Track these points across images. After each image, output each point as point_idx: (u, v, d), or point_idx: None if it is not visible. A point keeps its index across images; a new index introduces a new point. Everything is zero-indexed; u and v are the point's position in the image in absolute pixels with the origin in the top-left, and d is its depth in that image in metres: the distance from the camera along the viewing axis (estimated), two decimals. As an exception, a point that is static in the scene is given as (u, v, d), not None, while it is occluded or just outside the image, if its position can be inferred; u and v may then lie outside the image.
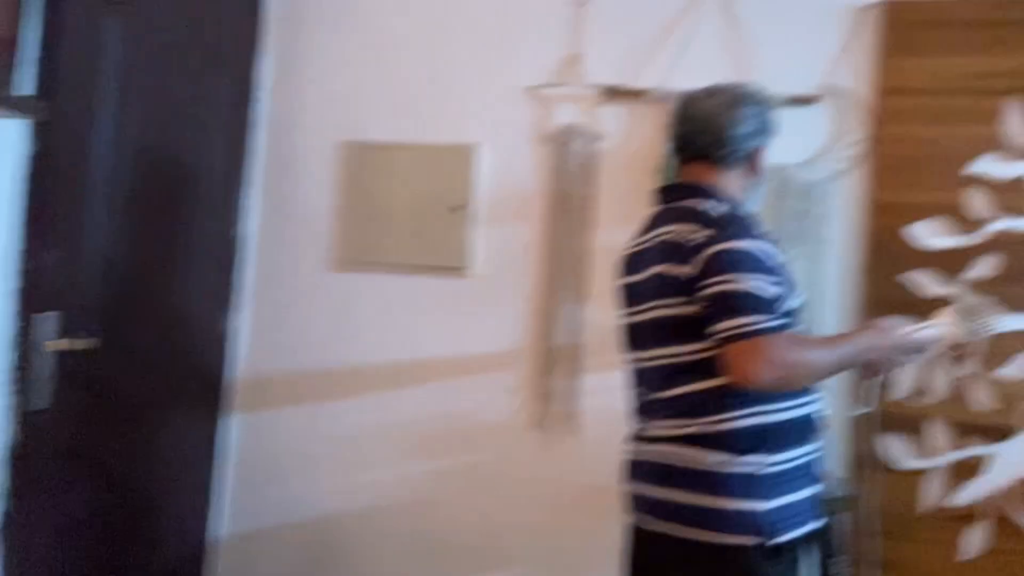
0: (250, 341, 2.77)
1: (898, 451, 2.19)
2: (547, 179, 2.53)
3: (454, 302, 2.60)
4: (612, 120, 2.50)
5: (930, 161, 2.23)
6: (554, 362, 2.48)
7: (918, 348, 1.65)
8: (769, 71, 2.34)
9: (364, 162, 2.69)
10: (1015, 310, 2.14)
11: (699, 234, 1.55)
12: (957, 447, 2.16)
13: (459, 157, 2.59)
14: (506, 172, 2.57)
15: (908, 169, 2.24)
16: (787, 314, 1.55)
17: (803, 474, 1.58)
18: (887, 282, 2.24)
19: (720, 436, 1.53)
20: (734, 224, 1.56)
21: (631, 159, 2.47)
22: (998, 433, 2.13)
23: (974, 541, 2.12)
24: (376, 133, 2.69)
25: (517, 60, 2.58)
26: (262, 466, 2.74)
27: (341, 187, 2.71)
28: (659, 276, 1.60)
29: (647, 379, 1.67)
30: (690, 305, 1.54)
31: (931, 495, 2.17)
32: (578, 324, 2.48)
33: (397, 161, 2.65)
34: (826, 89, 2.34)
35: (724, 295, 1.48)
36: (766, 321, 1.45)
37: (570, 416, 2.48)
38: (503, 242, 2.56)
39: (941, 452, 2.17)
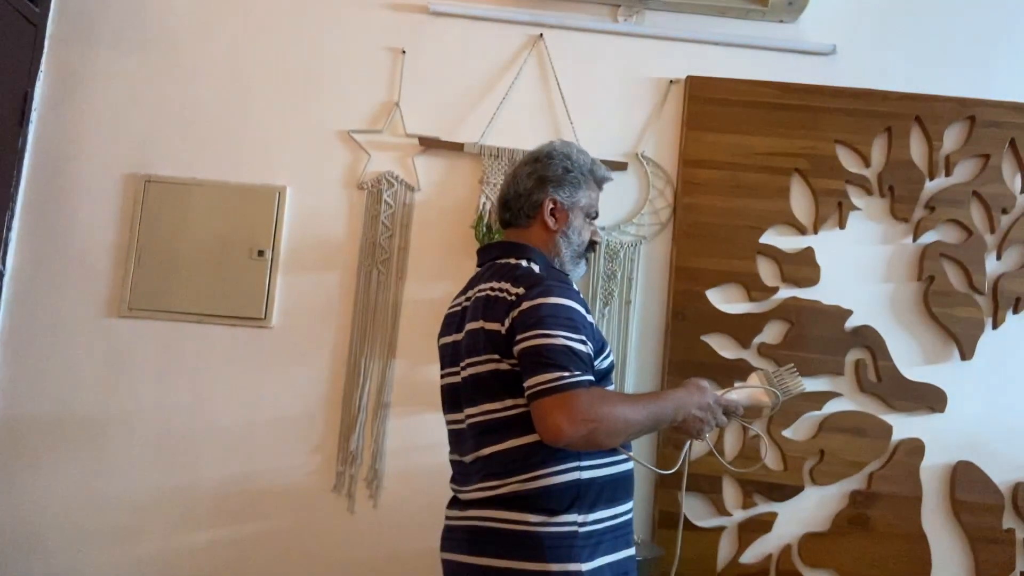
0: (4, 387, 2.39)
1: (698, 509, 2.25)
2: (358, 227, 2.42)
3: (251, 355, 2.39)
4: (428, 171, 2.44)
5: (726, 231, 2.36)
6: (358, 421, 2.34)
7: (732, 409, 1.65)
8: (583, 135, 2.40)
9: (153, 198, 2.43)
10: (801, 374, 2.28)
11: (512, 290, 1.52)
12: (747, 506, 2.25)
13: (263, 199, 2.42)
14: (314, 217, 2.43)
15: (707, 237, 2.36)
16: (598, 372, 1.53)
17: (622, 534, 1.55)
18: (689, 344, 2.32)
19: (534, 495, 1.47)
20: (545, 280, 1.54)
21: (446, 212, 2.42)
22: (783, 492, 2.24)
23: (765, 597, 2.21)
24: (169, 168, 2.45)
25: (331, 102, 2.46)
26: (17, 537, 2.34)
27: (124, 224, 2.44)
28: (474, 332, 1.56)
29: (463, 441, 1.60)
30: (504, 361, 1.50)
31: (726, 552, 2.23)
32: (386, 381, 2.36)
33: (192, 199, 2.42)
34: (633, 157, 2.42)
35: (534, 350, 1.44)
36: (575, 376, 1.42)
37: (374, 479, 2.33)
38: (308, 292, 2.40)
39: (734, 510, 2.25)
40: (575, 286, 1.64)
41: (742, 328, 2.33)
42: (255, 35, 2.49)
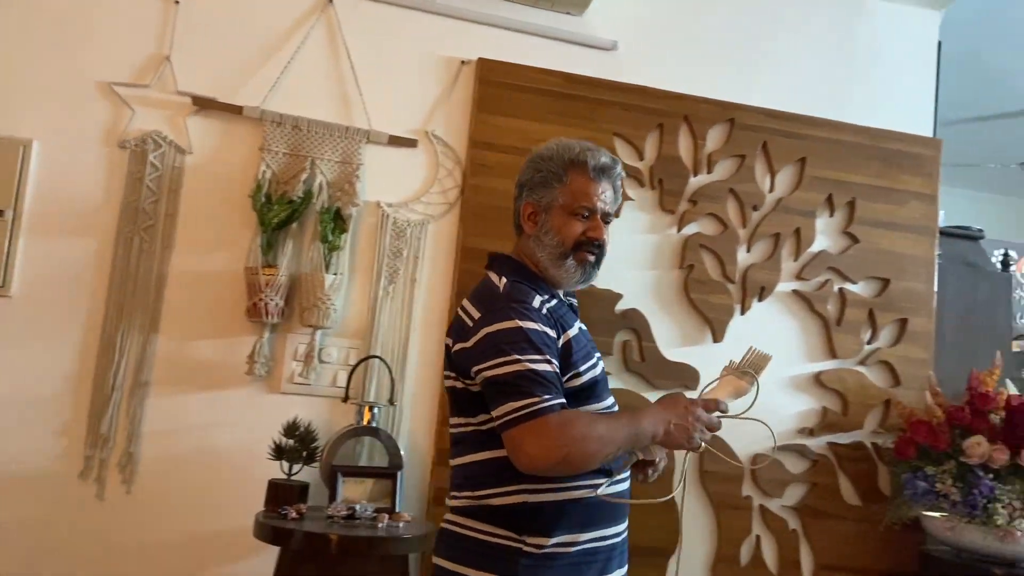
0: None
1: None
2: (118, 190, 2.21)
3: (-14, 327, 2.12)
4: (202, 134, 2.27)
5: (509, 214, 2.38)
6: (111, 401, 2.14)
7: (716, 407, 1.51)
8: (372, 109, 2.35)
9: None
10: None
11: (473, 314, 1.49)
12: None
13: (4, 152, 2.14)
14: (66, 176, 2.19)
15: (493, 219, 2.39)
16: (577, 387, 1.50)
17: (589, 561, 1.47)
18: (470, 324, 2.34)
19: (484, 510, 1.48)
20: (502, 302, 1.48)
21: (221, 179, 2.27)
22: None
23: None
24: None
25: (91, 50, 2.23)
26: None
27: None
28: (447, 348, 1.56)
29: (450, 447, 1.60)
30: (459, 380, 1.51)
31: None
32: (145, 358, 2.18)
33: (-88, 146, 2.10)
34: (424, 134, 2.41)
35: (498, 379, 1.40)
36: (544, 401, 1.37)
37: (128, 463, 2.15)
38: (56, 258, 2.16)
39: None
40: (570, 296, 1.67)
41: (522, 309, 2.39)
42: (-2, -36, 2.19)
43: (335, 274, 2.21)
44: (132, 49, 2.25)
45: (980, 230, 2.98)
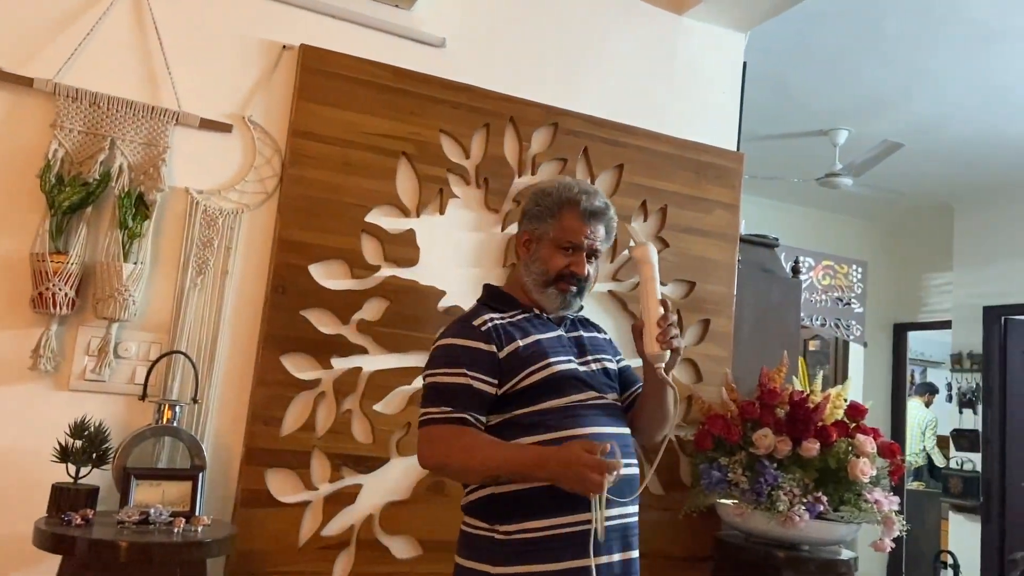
0: None
1: (284, 485, 2.22)
2: None
3: None
4: (-17, 105, 2.06)
5: (331, 206, 2.35)
6: None
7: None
8: (184, 89, 2.22)
9: None
10: (393, 351, 2.37)
11: None
12: (334, 479, 2.29)
13: None
14: None
15: (312, 211, 2.33)
16: (524, 388, 1.70)
17: (551, 547, 1.61)
18: (288, 318, 2.28)
19: (470, 506, 1.73)
20: (456, 322, 1.80)
21: (5, 157, 2.06)
22: (370, 464, 2.32)
23: (343, 567, 2.26)
24: None
25: None
26: None
27: None
28: None
29: None
30: None
31: (309, 526, 2.24)
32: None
33: None
34: (240, 120, 2.30)
35: (423, 387, 1.75)
36: (437, 413, 1.67)
37: None
38: None
39: (320, 484, 2.26)
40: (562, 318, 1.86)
41: (343, 304, 2.35)
42: None
43: (135, 263, 2.07)
44: (-103, 4, 2.00)
45: (776, 238, 3.24)
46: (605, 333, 2.00)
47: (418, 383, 2.39)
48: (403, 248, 2.44)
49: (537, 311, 1.83)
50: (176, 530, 1.82)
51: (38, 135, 2.08)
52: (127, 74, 2.19)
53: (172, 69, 2.22)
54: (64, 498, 1.86)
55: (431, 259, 2.48)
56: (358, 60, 2.41)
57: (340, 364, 2.32)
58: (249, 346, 2.26)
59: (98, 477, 1.96)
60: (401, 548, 2.34)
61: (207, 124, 2.24)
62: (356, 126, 2.40)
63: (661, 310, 1.71)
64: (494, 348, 1.71)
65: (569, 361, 1.76)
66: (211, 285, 2.22)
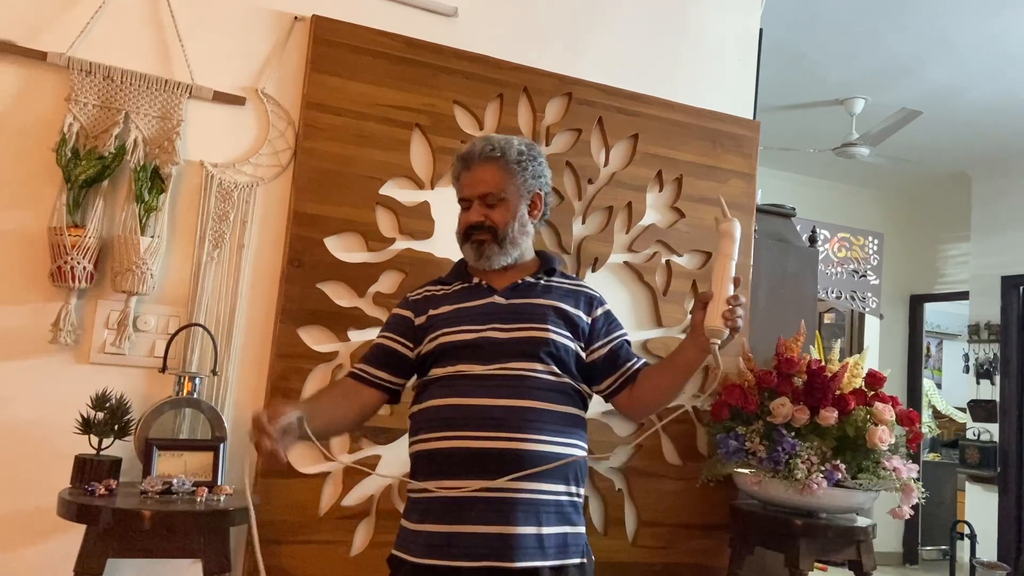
0: None
1: (305, 457, 2.24)
2: None
3: None
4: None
5: (345, 179, 2.35)
6: None
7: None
8: (196, 62, 2.21)
9: None
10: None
11: None
12: (353, 450, 2.30)
13: None
14: None
15: (326, 184, 2.32)
16: (431, 352, 1.74)
17: (448, 509, 1.61)
18: (305, 291, 2.28)
19: None
20: None
21: (21, 130, 2.07)
22: (388, 435, 2.33)
23: (363, 536, 2.28)
24: None
25: None
26: None
27: None
28: None
29: None
30: None
31: (329, 496, 2.26)
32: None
33: None
34: (253, 92, 2.29)
35: None
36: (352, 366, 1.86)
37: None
38: None
39: (341, 455, 2.28)
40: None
41: (358, 277, 2.35)
42: None
43: (152, 237, 2.08)
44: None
45: (792, 208, 3.21)
46: (577, 302, 1.80)
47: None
48: (418, 220, 2.44)
49: (479, 279, 1.81)
50: (199, 499, 1.84)
51: (52, 109, 2.08)
52: (140, 47, 2.18)
53: (184, 42, 2.21)
54: (87, 469, 1.89)
55: (446, 231, 2.46)
56: (370, 31, 2.39)
57: (357, 336, 2.32)
58: (267, 319, 2.26)
59: (119, 449, 1.98)
60: (420, 518, 2.35)
61: (220, 97, 2.24)
62: (369, 97, 2.38)
63: (732, 288, 1.60)
64: (410, 314, 1.81)
65: (473, 331, 1.70)
66: (228, 258, 2.22)
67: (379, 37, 2.40)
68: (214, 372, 2.13)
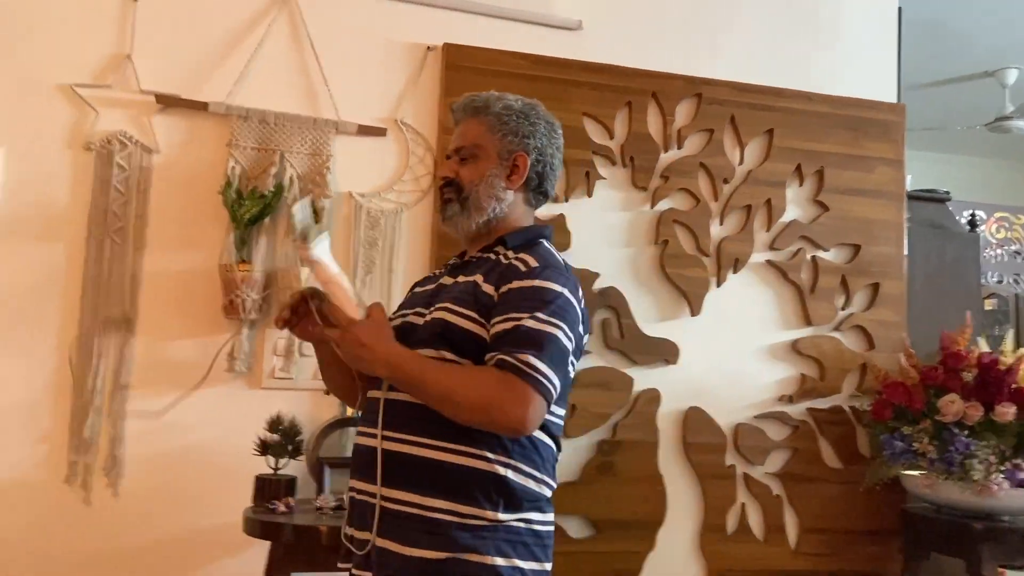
0: None
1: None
2: (85, 193, 2.18)
3: (-42, 338, 2.09)
4: (168, 132, 2.25)
5: (484, 198, 2.40)
6: (92, 406, 2.13)
7: None
8: (340, 99, 2.34)
9: None
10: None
11: None
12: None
13: (-34, 160, 2.11)
14: (32, 182, 2.16)
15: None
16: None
17: (357, 512, 1.43)
18: (449, 310, 2.35)
19: None
20: (555, 269, 1.48)
21: (190, 177, 2.25)
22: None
23: (522, 547, 2.32)
24: None
25: (47, 52, 2.19)
26: None
27: None
28: None
29: None
30: None
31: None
32: (123, 361, 2.16)
33: None
34: (392, 123, 2.40)
35: (544, 332, 1.38)
36: (551, 387, 1.38)
37: (113, 467, 2.14)
38: (23, 266, 2.14)
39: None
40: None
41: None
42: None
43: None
44: (91, 49, 2.22)
45: (947, 192, 3.02)
46: (494, 275, 1.45)
47: (580, 365, 2.41)
48: (555, 233, 2.45)
49: (461, 255, 1.59)
50: (369, 514, 1.93)
51: (216, 154, 2.26)
52: (289, 89, 2.33)
53: (329, 80, 2.34)
54: (267, 488, 2.02)
55: (583, 242, 2.48)
56: (498, 52, 2.45)
57: (503, 351, 2.37)
58: (417, 338, 2.35)
59: (292, 468, 2.11)
60: (576, 528, 2.37)
61: (364, 130, 2.35)
62: (501, 117, 2.43)
63: (361, 311, 1.41)
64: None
65: (401, 316, 1.52)
66: (379, 283, 2.33)
67: (507, 58, 2.46)
68: (373, 392, 2.23)
